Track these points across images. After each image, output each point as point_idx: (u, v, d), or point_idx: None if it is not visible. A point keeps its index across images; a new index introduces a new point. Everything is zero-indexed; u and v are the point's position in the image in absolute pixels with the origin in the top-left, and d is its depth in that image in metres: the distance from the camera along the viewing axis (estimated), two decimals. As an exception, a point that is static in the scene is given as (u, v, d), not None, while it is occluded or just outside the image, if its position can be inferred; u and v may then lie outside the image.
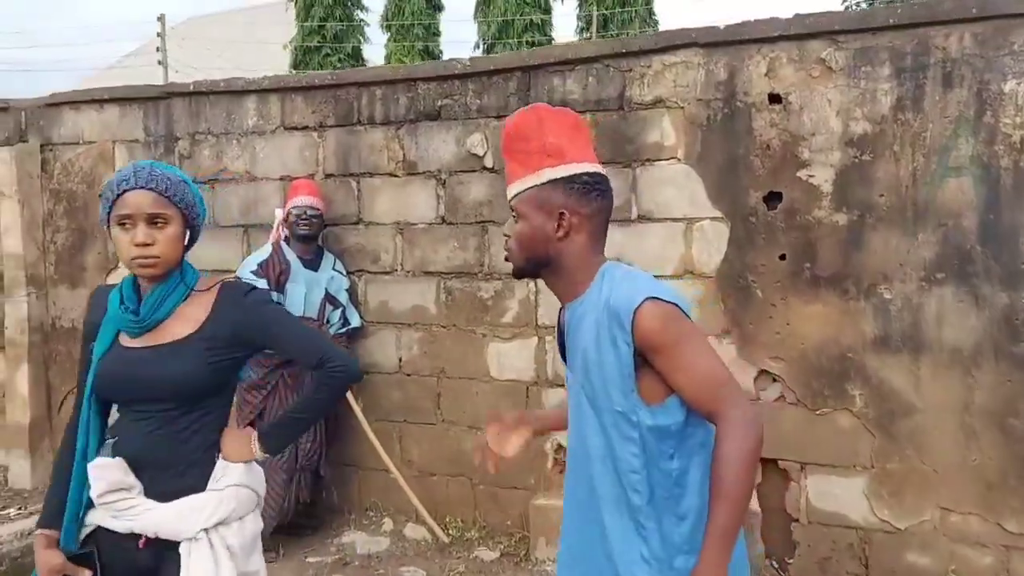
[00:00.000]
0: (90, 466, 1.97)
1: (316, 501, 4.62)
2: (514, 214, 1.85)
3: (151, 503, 1.97)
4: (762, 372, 3.86)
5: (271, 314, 2.08)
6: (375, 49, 27.75)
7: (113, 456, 1.99)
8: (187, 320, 2.01)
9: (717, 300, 3.92)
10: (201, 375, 1.99)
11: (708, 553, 1.61)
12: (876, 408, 3.64)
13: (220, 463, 2.05)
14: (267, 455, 2.08)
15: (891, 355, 3.61)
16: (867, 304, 3.64)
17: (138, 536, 1.98)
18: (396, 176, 4.62)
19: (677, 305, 1.70)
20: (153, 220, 1.95)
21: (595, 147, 3.97)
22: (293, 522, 4.40)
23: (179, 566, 1.95)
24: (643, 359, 1.69)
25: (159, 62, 28.17)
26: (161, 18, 29.10)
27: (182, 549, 1.97)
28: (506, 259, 1.90)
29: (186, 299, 2.04)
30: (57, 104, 5.63)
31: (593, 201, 1.80)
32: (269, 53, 26.95)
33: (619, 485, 1.75)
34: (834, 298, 3.70)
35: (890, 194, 3.58)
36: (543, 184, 1.80)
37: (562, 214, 1.78)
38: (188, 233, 2.05)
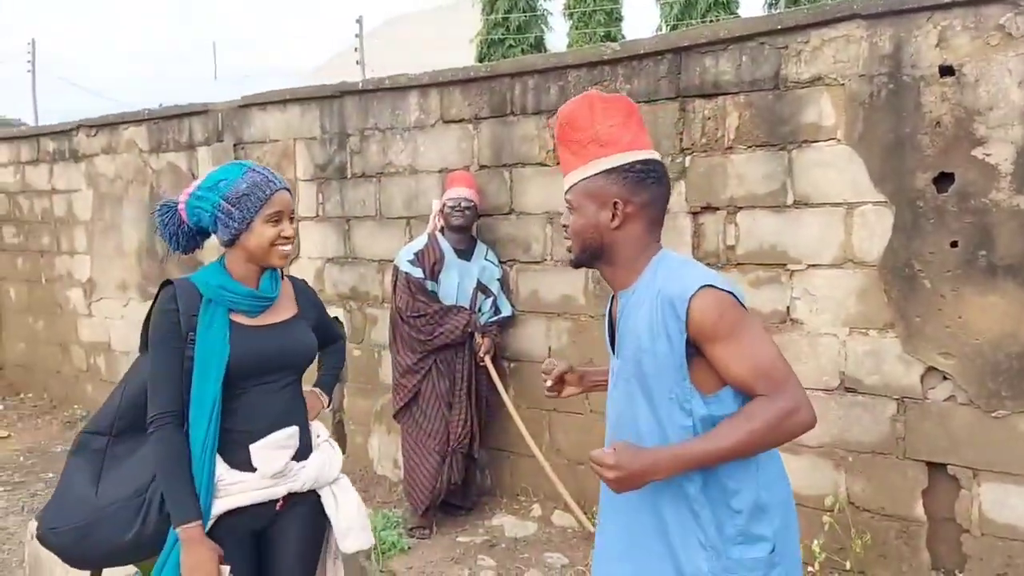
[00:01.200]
0: (260, 446, 2.16)
1: (470, 483, 4.77)
2: (568, 205, 1.84)
3: (302, 462, 2.26)
4: (930, 369, 3.55)
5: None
6: (558, 38, 27.92)
7: (270, 432, 2.19)
8: (283, 301, 2.31)
9: (880, 291, 3.65)
10: (316, 345, 2.39)
11: (661, 454, 1.64)
12: (1063, 413, 3.26)
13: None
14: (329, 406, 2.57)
15: (1083, 354, 3.21)
16: (1053, 296, 3.26)
17: (275, 500, 2.21)
18: (546, 166, 4.65)
19: (732, 294, 1.68)
20: (291, 216, 2.22)
21: (741, 125, 3.82)
22: (446, 502, 4.57)
23: (303, 514, 2.28)
24: (696, 348, 1.68)
25: (357, 62, 29.87)
26: (359, 20, 30.80)
27: (325, 492, 2.29)
28: (568, 250, 1.91)
29: None
30: (247, 106, 6.13)
31: (647, 189, 1.77)
32: (459, 49, 27.84)
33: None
34: (1014, 289, 3.33)
35: (1083, 172, 3.18)
36: (596, 174, 1.79)
37: (615, 204, 1.77)
38: None
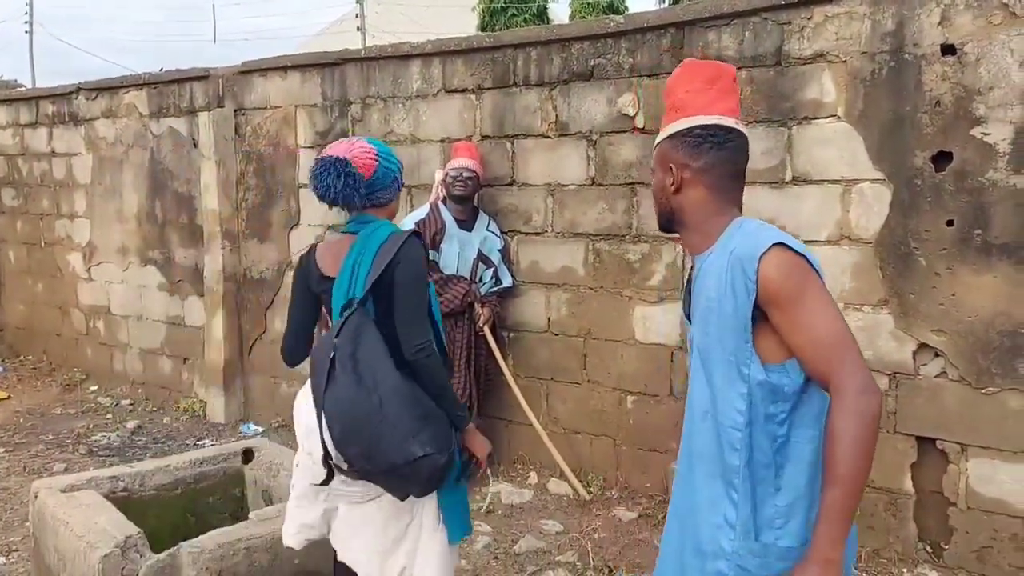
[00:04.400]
0: None
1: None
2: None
3: None
4: (922, 346, 3.61)
5: None
6: (561, 8, 27.64)
7: None
8: None
9: (875, 267, 3.69)
10: None
11: (819, 541, 1.51)
12: (1052, 390, 3.32)
13: None
14: None
15: (1072, 333, 3.27)
16: (1046, 276, 3.30)
17: None
18: (548, 137, 4.66)
19: (806, 257, 1.62)
20: None
21: (742, 101, 3.83)
22: (444, 468, 4.63)
23: None
24: (763, 313, 1.62)
25: (358, 28, 29.55)
26: (360, -15, 30.37)
27: None
28: None
29: None
30: (248, 72, 6.12)
31: (705, 154, 1.74)
32: (461, 16, 27.54)
33: (717, 442, 1.69)
34: (1008, 268, 3.38)
35: (1079, 154, 3.21)
36: (664, 139, 1.81)
37: (671, 168, 1.78)
38: None
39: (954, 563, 3.57)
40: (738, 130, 1.78)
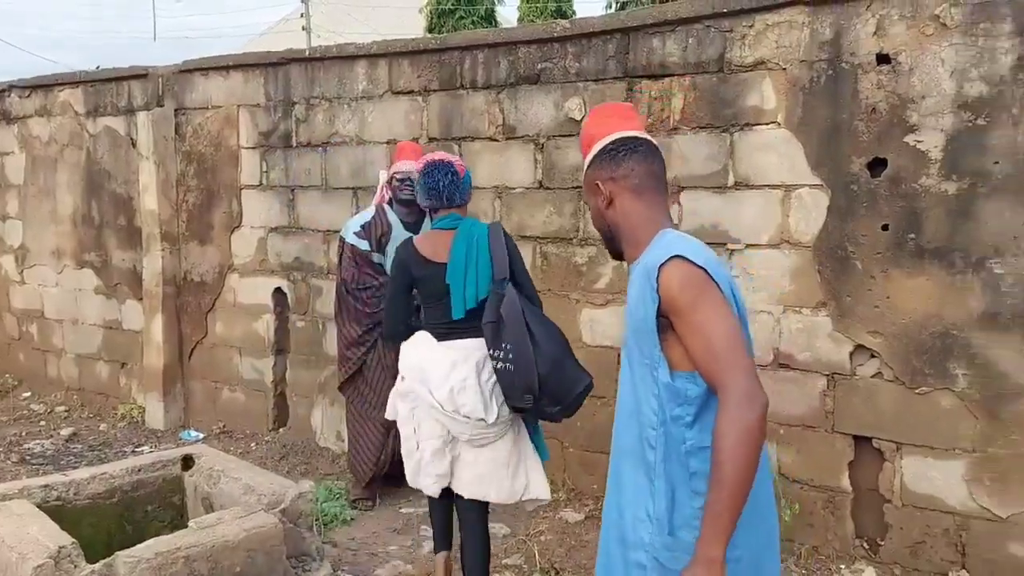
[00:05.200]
0: None
1: (413, 454, 4.81)
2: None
3: None
4: (859, 347, 3.70)
5: None
6: (508, 11, 27.71)
7: None
8: None
9: (814, 271, 3.78)
10: None
11: (702, 540, 1.58)
12: (981, 389, 3.43)
13: None
14: None
15: (1000, 333, 3.38)
16: (975, 279, 3.41)
17: None
18: (495, 140, 4.67)
19: (705, 270, 1.69)
20: None
21: (685, 107, 3.87)
22: (390, 474, 4.60)
23: None
24: (668, 320, 1.71)
25: (304, 28, 29.21)
26: (306, -15, 30.03)
27: None
28: None
29: None
30: (189, 71, 6.00)
31: (622, 162, 1.87)
32: (408, 17, 27.39)
33: (639, 439, 1.79)
34: (940, 272, 3.49)
35: (1006, 161, 3.32)
36: (586, 170, 1.96)
37: (597, 185, 1.89)
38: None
39: (889, 559, 3.67)
40: (645, 138, 1.93)
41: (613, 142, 1.89)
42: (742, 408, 1.57)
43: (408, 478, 3.31)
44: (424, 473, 3.17)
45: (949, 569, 3.52)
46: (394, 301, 3.27)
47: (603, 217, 1.92)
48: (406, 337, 3.25)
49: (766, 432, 1.60)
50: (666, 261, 1.69)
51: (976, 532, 3.47)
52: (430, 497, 3.30)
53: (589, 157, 1.94)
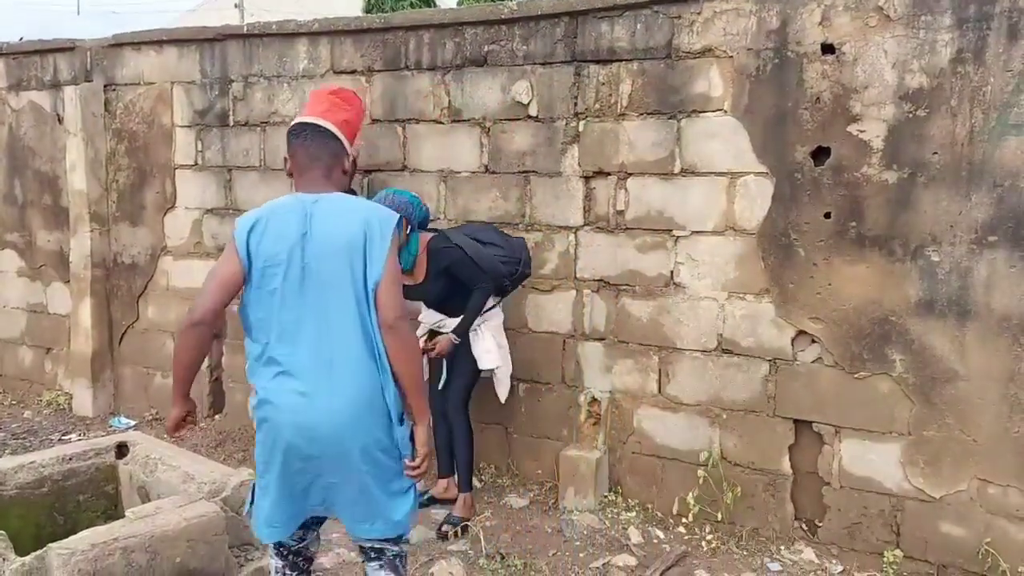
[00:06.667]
0: None
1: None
2: None
3: None
4: (801, 333, 3.77)
5: None
6: (448, -6, 27.40)
7: None
8: None
9: (758, 258, 3.82)
10: None
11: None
12: (916, 374, 3.53)
13: None
14: None
15: (935, 320, 3.48)
16: (913, 266, 3.50)
17: None
18: (441, 123, 4.60)
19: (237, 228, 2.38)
20: None
21: (632, 93, 3.85)
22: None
23: None
24: None
25: (236, 5, 28.42)
26: (238, -39, 29.20)
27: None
28: None
29: None
30: (120, 45, 5.76)
31: (289, 144, 2.47)
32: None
33: None
34: (879, 259, 3.57)
35: (944, 152, 3.41)
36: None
37: (285, 159, 2.53)
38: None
39: (827, 539, 3.76)
40: (301, 124, 2.46)
41: (292, 126, 2.47)
42: (180, 329, 2.36)
43: None
44: (504, 362, 4.20)
45: (884, 548, 3.63)
46: None
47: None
48: None
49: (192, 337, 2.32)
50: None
51: (910, 512, 3.58)
52: None
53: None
